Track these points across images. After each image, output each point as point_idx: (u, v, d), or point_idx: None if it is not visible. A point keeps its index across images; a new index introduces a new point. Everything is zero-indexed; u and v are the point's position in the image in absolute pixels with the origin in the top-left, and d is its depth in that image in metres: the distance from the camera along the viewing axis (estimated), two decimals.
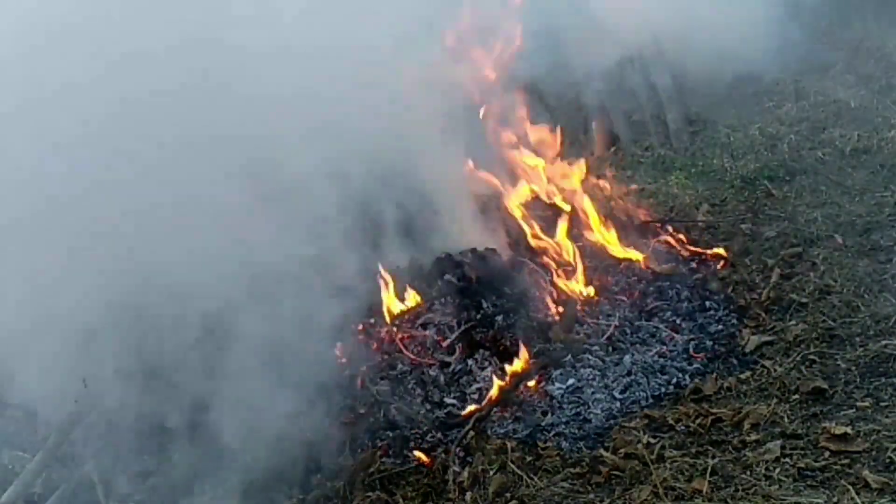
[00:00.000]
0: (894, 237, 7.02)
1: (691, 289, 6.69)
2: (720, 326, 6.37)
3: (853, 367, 5.57)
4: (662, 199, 8.83)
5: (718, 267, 7.04)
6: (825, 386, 5.41)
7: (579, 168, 7.55)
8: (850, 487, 4.49)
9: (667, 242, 7.28)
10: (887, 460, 4.67)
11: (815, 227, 7.42)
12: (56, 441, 5.58)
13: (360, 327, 6.09)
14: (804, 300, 6.40)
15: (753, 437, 5.07)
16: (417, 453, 5.39)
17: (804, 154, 9.12)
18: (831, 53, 12.45)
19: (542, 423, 5.58)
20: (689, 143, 10.27)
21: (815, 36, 12.66)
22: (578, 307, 6.41)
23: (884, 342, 5.71)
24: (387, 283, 6.18)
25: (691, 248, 7.25)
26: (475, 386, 5.86)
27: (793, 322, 6.20)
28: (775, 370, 5.71)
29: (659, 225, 7.59)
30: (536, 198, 7.26)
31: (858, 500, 4.39)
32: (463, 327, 6.03)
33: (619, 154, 10.61)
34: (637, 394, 5.79)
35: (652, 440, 5.20)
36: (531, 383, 5.85)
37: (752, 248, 7.32)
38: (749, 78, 11.79)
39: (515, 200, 7.08)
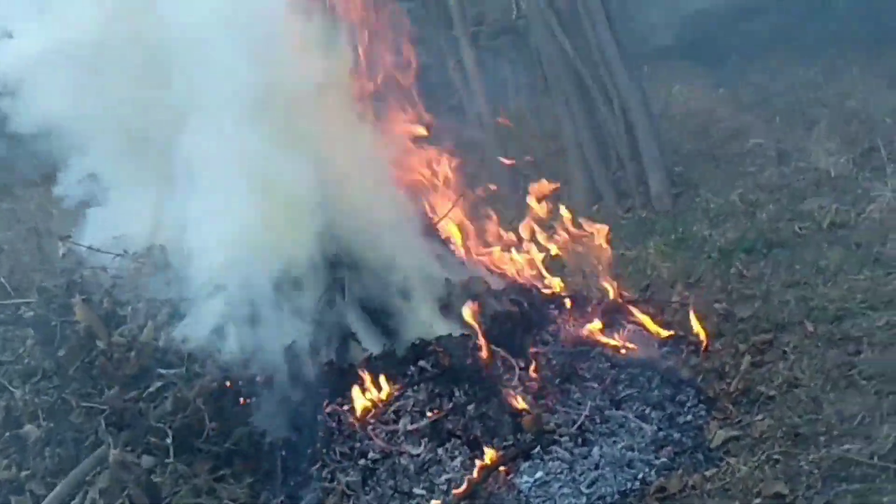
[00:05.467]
0: (864, 327, 7.12)
1: (662, 376, 6.75)
2: (689, 417, 6.45)
3: (815, 470, 5.65)
4: (641, 268, 8.95)
5: (692, 351, 7.13)
6: (786, 491, 5.51)
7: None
8: None
9: (641, 324, 7.35)
10: None
11: (787, 310, 7.52)
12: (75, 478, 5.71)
13: (332, 413, 6.16)
14: (772, 393, 6.51)
15: None
16: None
17: (782, 226, 9.24)
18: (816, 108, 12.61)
19: None
20: (670, 206, 10.38)
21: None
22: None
23: (846, 445, 5.81)
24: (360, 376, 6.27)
25: (665, 330, 7.33)
26: (444, 476, 5.93)
27: (759, 416, 6.31)
28: (739, 469, 5.81)
29: (634, 304, 7.65)
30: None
31: None
32: (433, 416, 6.11)
33: (601, 212, 10.73)
34: (603, 489, 5.86)
35: None
36: (500, 472, 5.93)
37: (724, 329, 7.42)
38: (734, 136, 11.96)
39: None
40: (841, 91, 13.65)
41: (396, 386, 6.25)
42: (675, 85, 15.00)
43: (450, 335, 6.54)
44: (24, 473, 6.14)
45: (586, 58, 10.85)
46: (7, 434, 6.39)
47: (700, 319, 7.29)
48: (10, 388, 6.73)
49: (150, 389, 6.16)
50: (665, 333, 7.34)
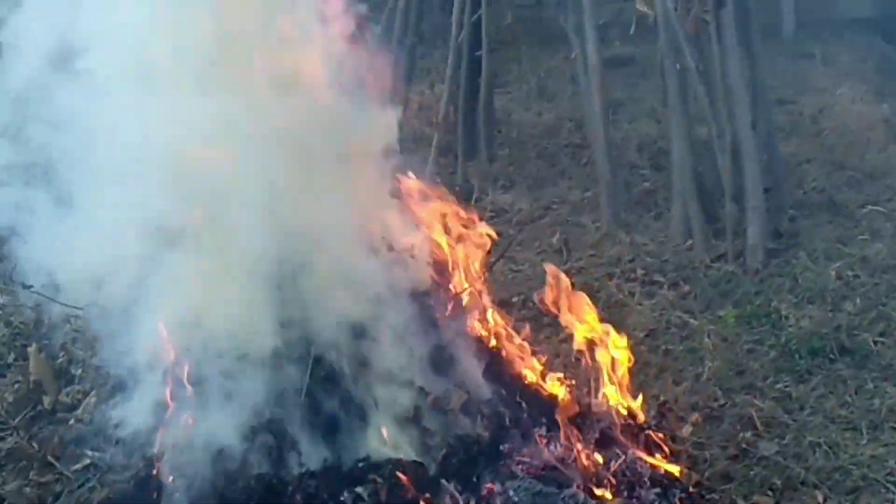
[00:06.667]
0: None
1: None
2: None
3: None
4: (693, 349, 8.27)
5: (682, 498, 6.49)
6: None
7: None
8: None
9: (640, 456, 6.71)
10: None
11: (810, 461, 6.80)
12: None
13: None
14: None
15: None
16: None
17: (862, 328, 8.35)
18: None
19: None
20: (760, 265, 9.53)
21: None
22: None
23: None
24: None
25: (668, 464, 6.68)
26: None
27: None
28: None
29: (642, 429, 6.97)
30: None
31: None
32: None
33: (693, 249, 10.00)
34: None
35: None
36: None
37: (733, 472, 6.77)
38: (869, 176, 10.99)
39: None
40: None
41: None
42: (843, 86, 13.92)
43: (399, 460, 6.04)
44: None
45: (710, 84, 9.94)
46: None
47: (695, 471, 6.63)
48: None
49: (76, 467, 5.97)
50: (666, 468, 6.69)
